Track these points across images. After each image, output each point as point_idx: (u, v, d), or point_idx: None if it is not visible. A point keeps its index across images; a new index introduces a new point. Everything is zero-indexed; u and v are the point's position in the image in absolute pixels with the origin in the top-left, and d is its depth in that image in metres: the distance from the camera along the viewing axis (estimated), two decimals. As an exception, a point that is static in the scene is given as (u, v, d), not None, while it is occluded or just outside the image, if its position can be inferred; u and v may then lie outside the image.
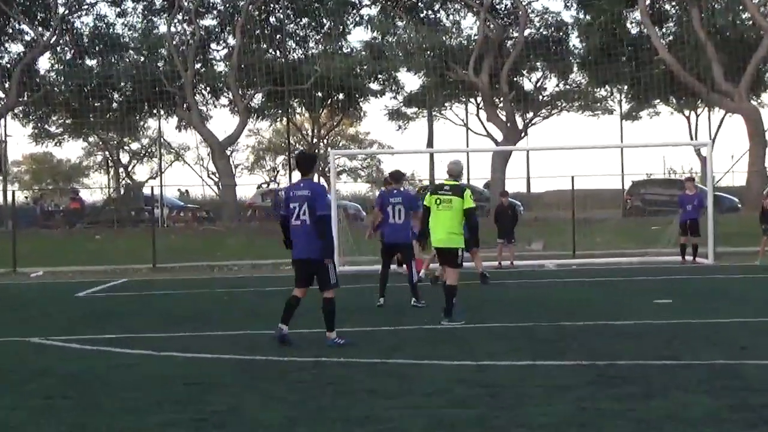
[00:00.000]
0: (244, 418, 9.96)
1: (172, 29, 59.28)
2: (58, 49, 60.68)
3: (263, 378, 12.25)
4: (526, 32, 59.33)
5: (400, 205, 20.67)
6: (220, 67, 61.62)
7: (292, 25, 61.65)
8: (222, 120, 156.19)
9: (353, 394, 10.95)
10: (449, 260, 17.41)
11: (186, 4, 58.83)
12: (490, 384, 11.35)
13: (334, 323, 14.78)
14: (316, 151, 68.92)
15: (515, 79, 61.39)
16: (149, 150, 74.67)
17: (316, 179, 19.74)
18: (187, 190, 66.97)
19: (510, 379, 11.68)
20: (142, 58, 59.94)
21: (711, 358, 12.77)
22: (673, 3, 59.83)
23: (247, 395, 11.13)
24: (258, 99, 62.84)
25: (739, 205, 52.85)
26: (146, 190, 62.57)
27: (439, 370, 12.58)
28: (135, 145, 74.24)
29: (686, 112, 68.98)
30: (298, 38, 62.22)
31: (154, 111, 62.02)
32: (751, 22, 56.95)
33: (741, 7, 56.33)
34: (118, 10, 60.70)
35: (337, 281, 14.70)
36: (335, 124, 76.99)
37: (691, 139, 67.00)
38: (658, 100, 64.06)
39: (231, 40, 60.03)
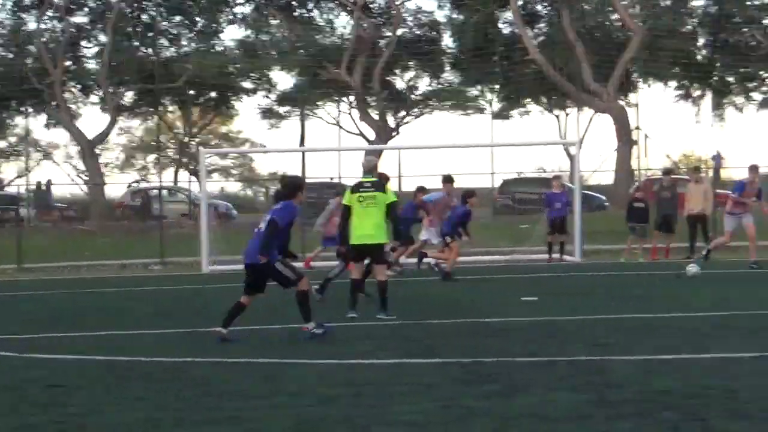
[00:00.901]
0: (106, 420, 9.82)
1: (42, 26, 58.40)
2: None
3: (127, 379, 12.10)
4: (399, 31, 59.54)
5: None
6: (91, 64, 60.90)
7: (164, 23, 61.10)
8: (92, 118, 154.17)
9: (219, 395, 10.87)
10: (377, 256, 17.36)
11: (56, 0, 57.99)
12: (357, 383, 11.35)
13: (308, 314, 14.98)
14: (187, 149, 68.37)
15: (388, 78, 61.54)
16: (16, 148, 73.47)
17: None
18: (47, 185, 65.29)
19: (377, 378, 11.69)
20: (11, 55, 58.94)
21: (574, 354, 12.91)
22: (545, 4, 60.49)
23: (110, 397, 10.98)
24: (129, 97, 62.26)
25: (607, 204, 53.63)
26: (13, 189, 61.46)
27: (306, 369, 12.56)
28: (2, 143, 73.03)
29: (556, 112, 69.90)
30: (170, 36, 61.70)
31: (22, 108, 61.00)
32: (620, 24, 57.83)
33: (610, 9, 57.18)
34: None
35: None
36: (207, 122, 76.49)
37: (561, 138, 67.90)
38: (529, 100, 64.84)
39: (102, 38, 59.30)
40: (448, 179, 27.74)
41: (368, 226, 17.16)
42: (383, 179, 19.04)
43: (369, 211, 17.13)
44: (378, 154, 57.23)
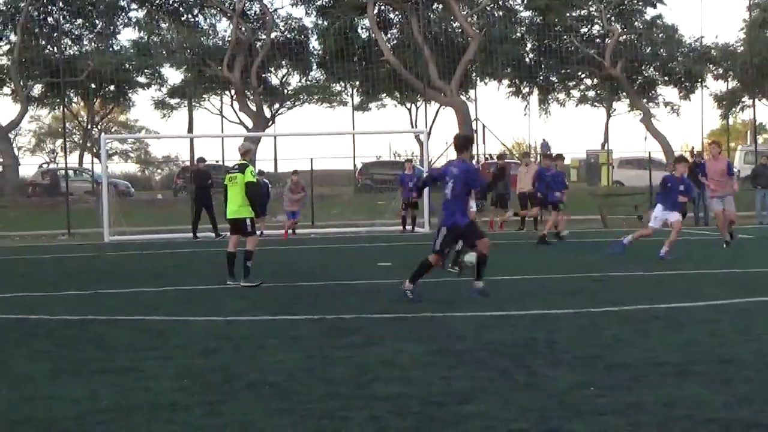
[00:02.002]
0: (11, 372, 9.56)
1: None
2: None
3: (32, 335, 11.81)
4: (273, 35, 59.22)
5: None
6: (3, 60, 59.52)
7: (68, 25, 59.95)
8: (5, 108, 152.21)
9: (113, 348, 10.67)
10: (240, 229, 17.07)
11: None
12: (234, 337, 11.24)
13: (418, 277, 14.24)
14: (92, 135, 67.19)
15: (263, 75, 61.26)
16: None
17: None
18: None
19: (251, 333, 11.58)
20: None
21: (422, 311, 12.93)
22: (397, 12, 60.53)
23: (16, 351, 10.71)
24: (38, 89, 61.14)
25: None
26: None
27: (191, 325, 12.39)
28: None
29: (408, 105, 70.04)
30: (73, 36, 60.62)
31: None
32: (460, 31, 58.16)
33: (452, 18, 57.48)
34: None
35: (440, 249, 14.22)
36: (107, 112, 75.33)
37: (412, 127, 68.10)
38: (385, 95, 64.88)
39: (13, 37, 57.93)
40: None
41: (232, 203, 17.00)
42: None
43: (233, 189, 16.95)
44: (256, 140, 56.99)
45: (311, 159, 40.79)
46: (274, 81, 63.84)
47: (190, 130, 61.98)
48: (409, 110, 71.23)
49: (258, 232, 17.81)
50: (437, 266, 14.32)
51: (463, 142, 14.66)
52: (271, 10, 59.62)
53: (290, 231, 31.09)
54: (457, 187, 13.98)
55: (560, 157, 28.07)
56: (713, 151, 22.87)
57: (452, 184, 13.99)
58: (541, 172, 26.49)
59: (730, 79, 65.77)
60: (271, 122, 62.90)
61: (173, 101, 64.59)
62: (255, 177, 16.88)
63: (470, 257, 17.79)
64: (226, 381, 8.84)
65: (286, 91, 63.69)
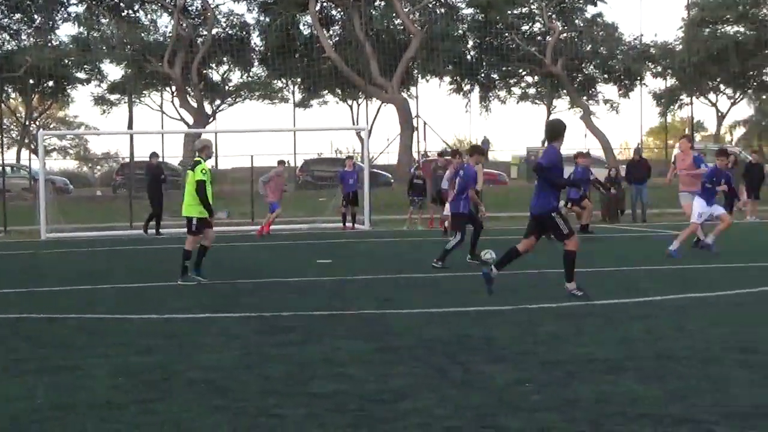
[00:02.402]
0: (-53, 371, 9.47)
1: None
2: None
3: (-32, 334, 11.69)
4: (214, 31, 58.99)
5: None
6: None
7: (5, 20, 59.31)
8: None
9: (49, 347, 10.58)
10: (187, 226, 16.92)
11: None
12: (172, 335, 11.19)
13: (572, 273, 13.60)
14: (30, 131, 66.49)
15: (204, 71, 61.02)
16: None
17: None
18: None
19: (189, 330, 11.55)
20: None
21: (361, 308, 12.97)
22: (339, 9, 60.54)
23: (-48, 350, 10.60)
24: (-26, 84, 60.46)
25: (392, 180, 54.04)
26: None
27: (129, 323, 12.32)
28: None
29: (349, 102, 70.10)
30: (11, 31, 59.98)
31: None
32: (402, 28, 58.28)
33: (394, 15, 57.57)
34: None
35: (570, 230, 13.58)
36: (46, 108, 74.60)
37: (354, 124, 68.14)
38: (326, 91, 64.90)
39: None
40: None
41: (185, 200, 16.87)
42: None
43: (187, 186, 16.83)
44: (197, 137, 56.82)
45: (252, 156, 40.73)
46: (215, 77, 63.71)
47: (130, 126, 61.56)
48: (351, 107, 71.38)
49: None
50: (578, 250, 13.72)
51: (556, 129, 13.96)
52: (212, 6, 59.41)
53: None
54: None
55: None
56: (683, 146, 22.24)
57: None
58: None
59: (668, 78, 66.50)
60: (211, 119, 62.69)
61: (113, 97, 64.14)
62: (205, 175, 16.66)
63: (488, 254, 17.98)
64: (163, 379, 8.80)
65: (227, 87, 63.52)
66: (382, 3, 59.14)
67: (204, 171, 16.58)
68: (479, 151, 20.66)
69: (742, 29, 62.66)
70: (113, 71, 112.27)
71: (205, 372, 9.03)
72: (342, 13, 60.47)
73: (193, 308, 13.40)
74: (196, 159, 16.87)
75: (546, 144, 14.29)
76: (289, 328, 11.46)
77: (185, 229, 17.00)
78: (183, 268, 16.44)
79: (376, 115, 66.64)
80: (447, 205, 20.61)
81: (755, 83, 68.02)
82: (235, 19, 60.88)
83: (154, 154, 32.86)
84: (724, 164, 20.14)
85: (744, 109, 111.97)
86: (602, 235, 21.69)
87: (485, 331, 11.03)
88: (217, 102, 63.73)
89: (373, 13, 58.62)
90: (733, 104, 73.60)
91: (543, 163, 13.57)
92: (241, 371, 9.07)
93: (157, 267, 18.00)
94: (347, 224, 32.01)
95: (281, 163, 31.94)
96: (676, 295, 13.82)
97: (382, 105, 63.63)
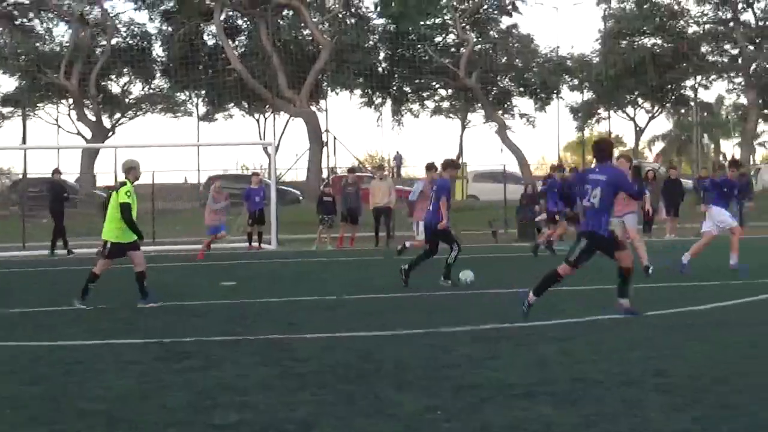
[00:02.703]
0: None
1: None
2: None
3: None
4: (114, 41, 58.49)
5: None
6: None
7: None
8: None
9: (-68, 377, 10.33)
10: (103, 250, 16.55)
11: None
12: (65, 363, 10.99)
13: (626, 290, 13.73)
14: None
15: (103, 83, 60.42)
16: None
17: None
18: None
19: (83, 357, 11.35)
20: None
21: (265, 333, 12.88)
22: (245, 18, 60.40)
23: None
24: None
25: (301, 198, 53.92)
26: None
27: (19, 351, 12.09)
28: None
29: (256, 116, 69.89)
30: None
31: None
32: (311, 38, 58.30)
33: (303, 25, 57.58)
34: None
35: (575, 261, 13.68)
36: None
37: (260, 138, 67.93)
38: (232, 104, 64.67)
39: None
40: None
41: (105, 222, 16.58)
42: None
43: (109, 209, 16.50)
44: (95, 152, 56.22)
45: (153, 172, 40.22)
46: (115, 89, 63.12)
47: (24, 141, 60.84)
48: (257, 121, 71.10)
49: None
50: (566, 276, 13.94)
51: (607, 148, 14.28)
52: (112, 15, 58.89)
53: (208, 248, 29.57)
54: (605, 194, 13.65)
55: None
56: (621, 166, 21.98)
57: (599, 191, 13.61)
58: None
59: (585, 91, 67.33)
60: (111, 133, 62.10)
61: (5, 110, 63.28)
62: (129, 197, 16.33)
63: (466, 275, 17.97)
64: (54, 410, 8.63)
65: (127, 100, 62.97)
66: (290, 12, 59.08)
67: (129, 193, 16.23)
68: (453, 165, 20.66)
69: (659, 41, 63.68)
70: (6, 83, 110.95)
71: (98, 402, 8.88)
72: (248, 23, 60.32)
73: (87, 334, 13.20)
74: (122, 180, 16.62)
75: (594, 164, 14.42)
76: (189, 353, 11.34)
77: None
78: (84, 290, 16.18)
79: (283, 130, 66.59)
80: (419, 223, 20.60)
81: (673, 97, 69.14)
82: (136, 29, 60.48)
83: (56, 171, 32.77)
84: (735, 174, 20.57)
85: (663, 124, 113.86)
86: (521, 254, 21.85)
87: (395, 355, 11.02)
88: (117, 115, 63.19)
89: (281, 23, 58.59)
90: (651, 118, 74.79)
91: (611, 181, 13.68)
92: (137, 400, 8.93)
93: (51, 290, 17.72)
94: (253, 244, 31.83)
95: (218, 178, 31.79)
96: (593, 317, 13.93)
97: (290, 119, 63.51)
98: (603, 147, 14.25)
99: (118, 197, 16.23)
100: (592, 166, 14.77)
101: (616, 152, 19.19)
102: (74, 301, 16.09)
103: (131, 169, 16.73)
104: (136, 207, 16.47)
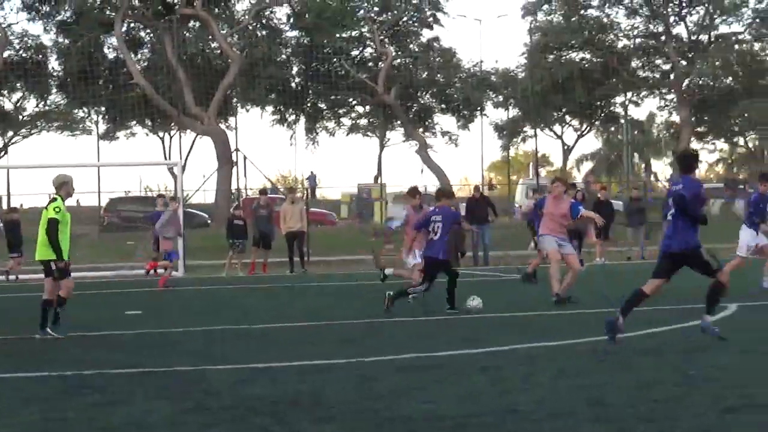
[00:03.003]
0: None
1: None
2: None
3: None
4: (6, 53, 57.83)
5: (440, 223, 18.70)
6: None
7: None
8: None
9: None
10: (47, 272, 16.33)
11: None
12: (-43, 399, 10.81)
13: (713, 307, 13.90)
14: None
15: (-6, 99, 59.89)
16: None
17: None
18: None
19: (-23, 393, 11.18)
20: None
21: (174, 365, 12.78)
22: (148, 30, 60.08)
23: None
24: None
25: (209, 221, 53.66)
26: None
27: None
28: None
29: (160, 134, 69.57)
30: None
31: None
32: (219, 51, 58.15)
33: (210, 37, 57.43)
34: None
35: (719, 264, 13.77)
36: None
37: (165, 158, 67.61)
38: (134, 122, 64.30)
39: None
40: None
41: (38, 242, 16.36)
42: None
43: (40, 227, 16.29)
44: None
45: (50, 195, 39.84)
46: (7, 105, 62.43)
47: None
48: (162, 140, 70.76)
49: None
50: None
51: (692, 159, 14.39)
52: (3, 26, 58.22)
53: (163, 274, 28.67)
54: (683, 206, 13.70)
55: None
56: (556, 191, 20.81)
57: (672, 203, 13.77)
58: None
59: (511, 108, 67.92)
60: (3, 152, 61.42)
61: None
62: (58, 214, 16.10)
63: (475, 302, 17.94)
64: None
65: (21, 116, 62.32)
66: (197, 24, 58.86)
67: (58, 209, 16.04)
68: (447, 194, 20.45)
69: (588, 56, 64.47)
70: None
71: (-6, 441, 8.75)
72: (152, 35, 60.01)
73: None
74: (54, 196, 16.43)
75: (680, 176, 14.30)
76: (93, 387, 11.20)
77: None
78: (55, 315, 16.03)
79: (190, 149, 66.39)
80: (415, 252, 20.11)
81: (603, 114, 69.96)
82: (30, 41, 59.85)
83: None
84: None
85: (591, 142, 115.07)
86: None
87: (314, 387, 10.98)
88: (10, 133, 62.52)
89: (187, 35, 58.36)
90: (580, 136, 75.71)
91: (686, 194, 13.69)
92: (37, 439, 8.82)
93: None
94: (159, 270, 31.55)
95: (160, 196, 31.31)
96: (524, 345, 14.01)
97: (197, 137, 63.28)
98: (684, 159, 14.43)
99: (47, 213, 16.07)
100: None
101: (543, 172, 19.24)
102: (47, 331, 15.88)
103: (63, 185, 16.55)
104: (68, 225, 16.29)
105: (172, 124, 62.07)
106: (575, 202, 21.30)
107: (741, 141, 74.82)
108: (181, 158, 58.56)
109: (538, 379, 11.24)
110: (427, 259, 18.75)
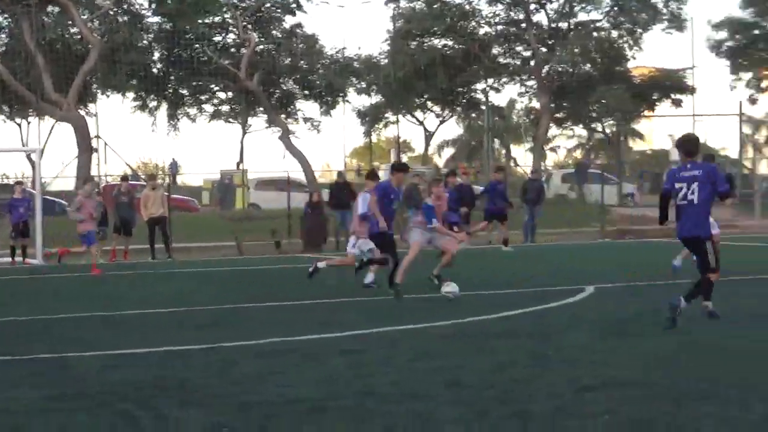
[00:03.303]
0: None
1: None
2: None
3: None
4: None
5: None
6: None
7: None
8: None
9: None
10: None
11: None
12: None
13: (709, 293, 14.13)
14: None
15: None
16: None
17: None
18: None
19: None
20: None
21: (36, 352, 12.78)
22: (5, 15, 59.00)
23: None
24: None
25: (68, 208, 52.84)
26: None
27: None
28: None
29: (18, 120, 68.42)
30: None
31: None
32: (79, 37, 57.40)
33: (70, 22, 56.65)
34: None
35: (717, 265, 13.90)
36: None
37: (23, 145, 66.54)
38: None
39: None
40: None
41: None
42: None
43: None
44: None
45: None
46: None
47: None
48: (20, 126, 69.60)
49: None
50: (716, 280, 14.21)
51: (695, 144, 14.50)
52: None
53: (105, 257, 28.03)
54: (703, 191, 13.84)
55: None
56: (437, 192, 20.40)
57: (696, 187, 13.84)
58: None
59: (373, 94, 68.23)
60: None
61: None
62: None
63: (450, 288, 17.82)
64: None
65: None
66: (57, 9, 57.99)
67: None
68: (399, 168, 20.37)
69: (450, 42, 65.00)
70: None
71: None
72: (9, 20, 58.96)
73: None
74: None
75: (686, 160, 14.31)
76: (-46, 377, 11.21)
77: None
78: None
79: (49, 135, 65.46)
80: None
81: (464, 100, 70.63)
82: None
83: None
84: None
85: (453, 128, 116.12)
86: (303, 265, 22.16)
87: (177, 372, 11.15)
88: None
89: (46, 20, 57.46)
90: (441, 123, 76.39)
91: (713, 173, 13.97)
92: None
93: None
94: (16, 258, 31.24)
95: (87, 181, 30.58)
96: (381, 328, 14.33)
97: (57, 124, 62.42)
98: (692, 141, 14.62)
99: None
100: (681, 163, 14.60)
101: (404, 158, 19.24)
102: None
103: None
104: None
105: (31, 110, 61.06)
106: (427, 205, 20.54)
107: (599, 127, 76.08)
108: (39, 144, 57.72)
109: (396, 362, 11.54)
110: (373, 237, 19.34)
